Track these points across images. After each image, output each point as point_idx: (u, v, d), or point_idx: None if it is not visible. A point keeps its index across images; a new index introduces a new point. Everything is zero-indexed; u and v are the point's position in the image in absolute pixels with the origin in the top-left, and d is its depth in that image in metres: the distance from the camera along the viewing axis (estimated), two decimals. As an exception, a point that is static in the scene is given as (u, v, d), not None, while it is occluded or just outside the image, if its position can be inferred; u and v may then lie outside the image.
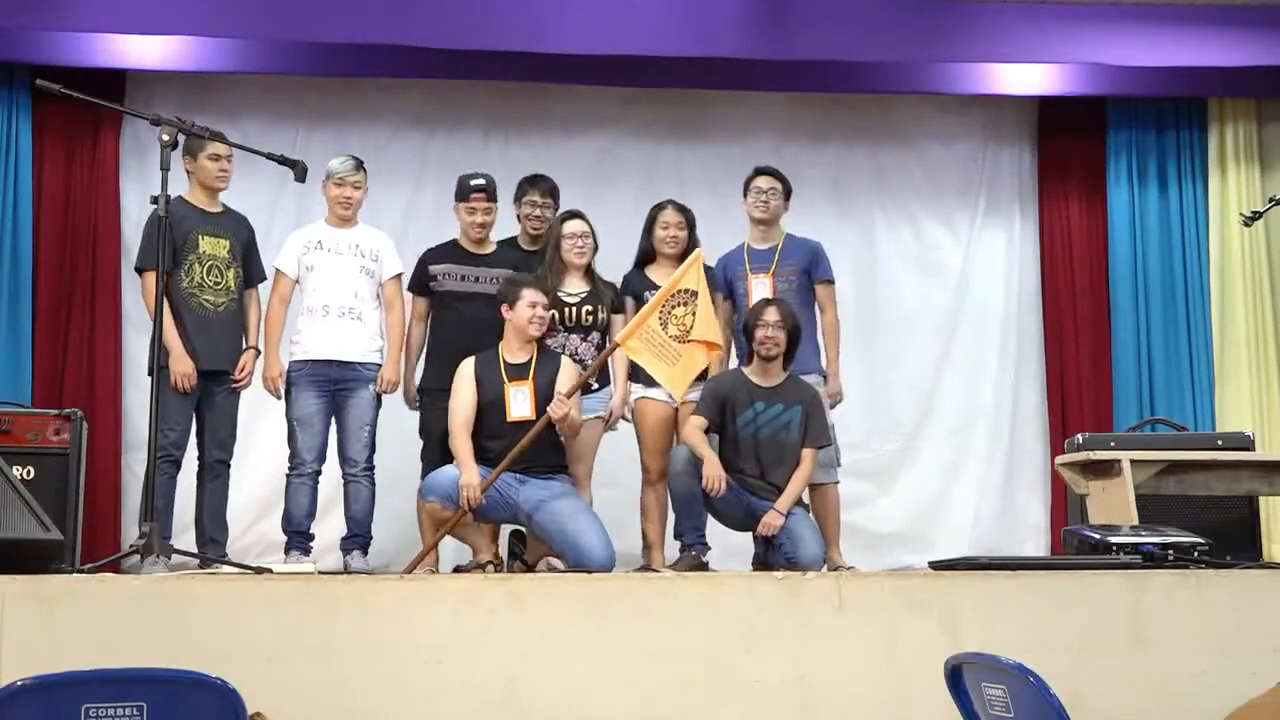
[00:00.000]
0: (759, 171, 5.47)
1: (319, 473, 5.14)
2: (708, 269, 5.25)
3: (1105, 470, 5.02)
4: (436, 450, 5.01)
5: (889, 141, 7.39)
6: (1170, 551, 4.04)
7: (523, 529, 5.08)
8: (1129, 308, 7.21)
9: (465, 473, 4.62)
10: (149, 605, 3.47)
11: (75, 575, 3.81)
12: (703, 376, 5.02)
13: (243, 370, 5.07)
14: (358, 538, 5.18)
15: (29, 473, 4.96)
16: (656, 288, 5.00)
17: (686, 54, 6.52)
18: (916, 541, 6.92)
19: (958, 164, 7.44)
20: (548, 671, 3.53)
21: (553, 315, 5.03)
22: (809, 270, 5.38)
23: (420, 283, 5.27)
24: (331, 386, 5.13)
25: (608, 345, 5.00)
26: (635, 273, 5.34)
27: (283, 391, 5.15)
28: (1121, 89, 7.10)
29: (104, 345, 6.54)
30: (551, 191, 5.43)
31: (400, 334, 5.25)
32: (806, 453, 4.88)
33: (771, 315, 4.93)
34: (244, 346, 5.12)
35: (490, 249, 5.31)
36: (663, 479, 5.05)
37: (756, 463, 4.89)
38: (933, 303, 7.34)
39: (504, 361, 4.86)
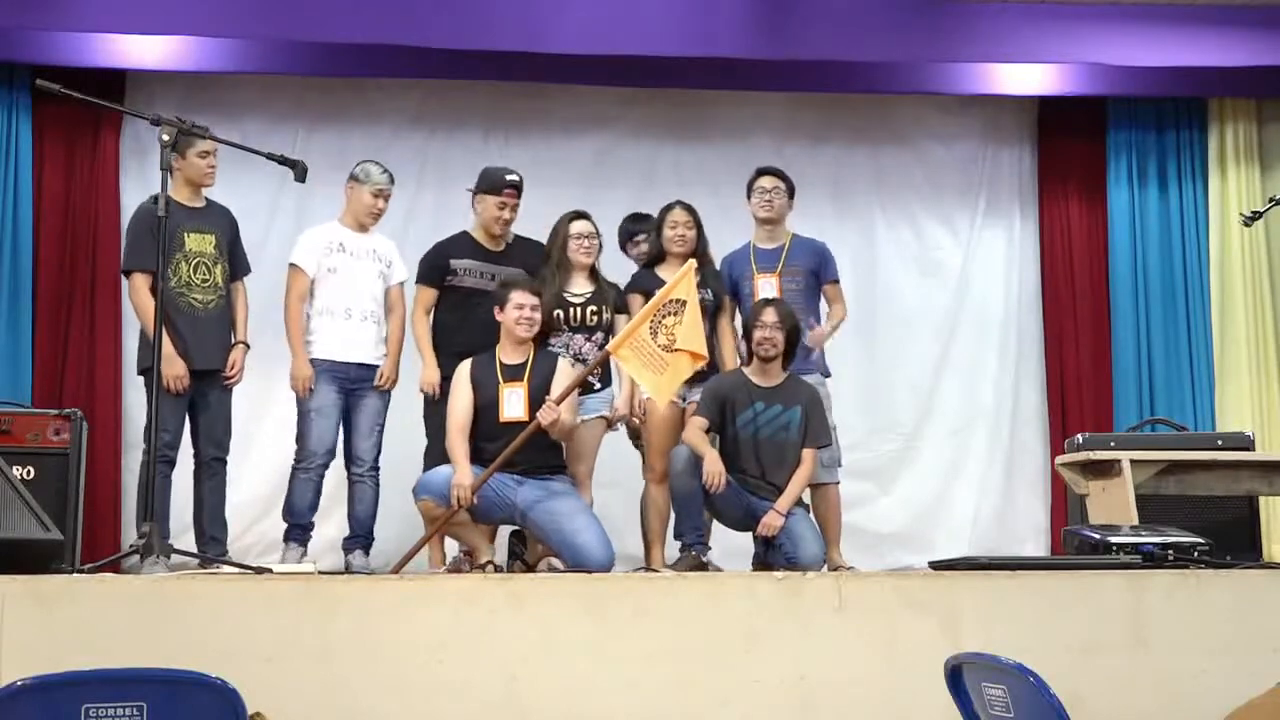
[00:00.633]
0: (761, 172, 5.48)
1: (326, 467, 5.15)
2: (713, 268, 5.25)
3: (1105, 470, 5.02)
4: (440, 450, 4.99)
5: (889, 141, 7.39)
6: (1170, 551, 4.04)
7: (523, 529, 5.07)
8: (1129, 308, 7.21)
9: (459, 472, 4.63)
10: (149, 605, 3.47)
11: (75, 575, 3.81)
12: (702, 378, 5.03)
13: (233, 367, 5.05)
14: (360, 538, 5.19)
15: (29, 473, 4.95)
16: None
17: (686, 54, 6.52)
18: (916, 541, 6.92)
19: (958, 164, 7.44)
20: (548, 671, 3.53)
21: (557, 315, 5.03)
22: (816, 271, 5.40)
23: (437, 276, 5.19)
24: (349, 385, 5.14)
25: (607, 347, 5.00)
26: (645, 271, 5.35)
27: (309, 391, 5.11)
28: (1121, 89, 7.10)
29: (104, 345, 6.54)
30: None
31: (400, 336, 5.25)
32: (807, 453, 4.89)
33: (769, 316, 4.94)
34: (232, 341, 5.09)
35: (503, 245, 5.29)
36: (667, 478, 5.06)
37: (757, 463, 4.89)
38: (933, 303, 7.35)
39: (500, 363, 4.87)
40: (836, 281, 5.47)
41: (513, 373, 4.84)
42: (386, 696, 3.45)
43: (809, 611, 3.66)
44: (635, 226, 5.68)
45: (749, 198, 5.45)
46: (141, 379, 5.09)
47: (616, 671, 3.56)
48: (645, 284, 5.22)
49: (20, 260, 6.52)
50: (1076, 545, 4.43)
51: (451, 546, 5.38)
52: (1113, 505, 4.92)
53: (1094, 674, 3.60)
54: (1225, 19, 6.73)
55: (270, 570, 4.23)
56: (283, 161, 4.59)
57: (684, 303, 4.71)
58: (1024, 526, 7.14)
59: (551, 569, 4.72)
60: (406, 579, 3.87)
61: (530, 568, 4.92)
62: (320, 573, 4.38)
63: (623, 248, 5.70)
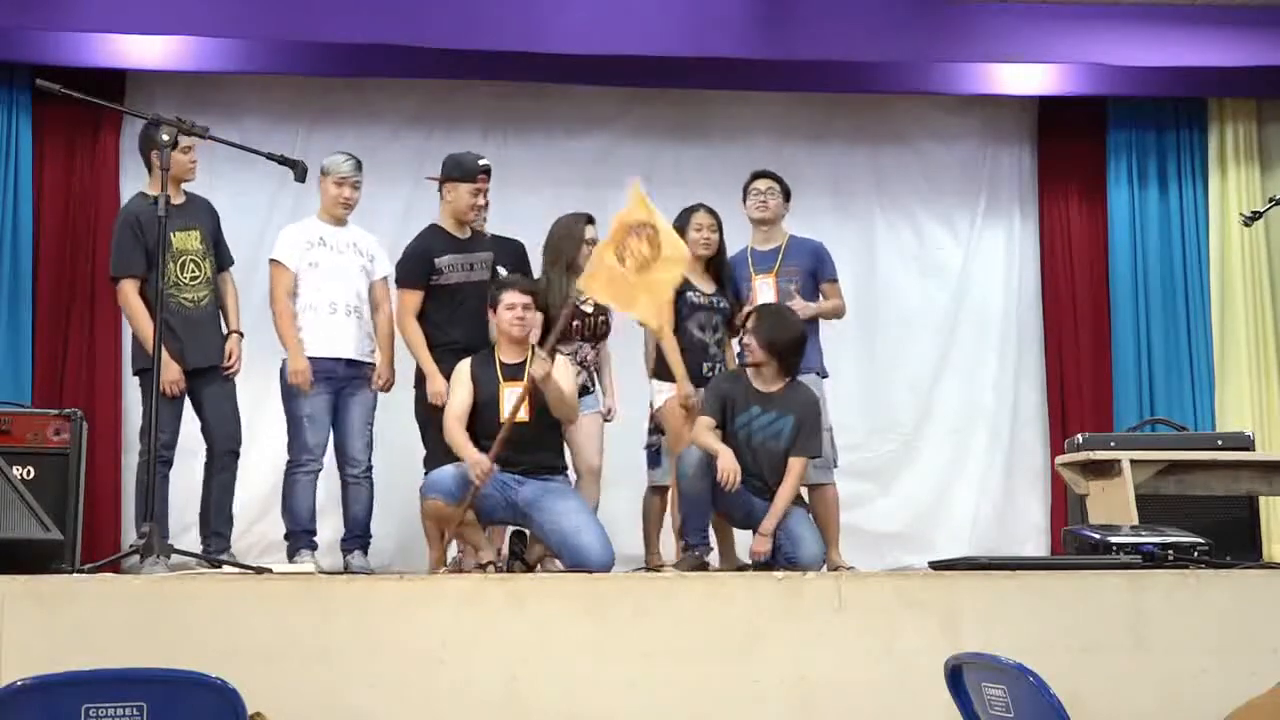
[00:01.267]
0: (756, 174, 5.52)
1: (321, 468, 5.13)
2: (729, 270, 5.24)
3: (1105, 470, 5.02)
4: (441, 450, 4.95)
5: (889, 141, 7.39)
6: (1170, 551, 4.04)
7: (523, 529, 5.07)
8: (1129, 308, 7.21)
9: (469, 455, 4.61)
10: (149, 605, 3.47)
11: (75, 575, 3.81)
12: (704, 381, 5.03)
13: (231, 357, 5.03)
14: (358, 538, 5.18)
15: (29, 473, 4.94)
16: (691, 287, 5.10)
17: (686, 54, 6.52)
18: (916, 541, 6.92)
19: (958, 164, 7.44)
20: (548, 671, 3.53)
21: (576, 325, 5.02)
22: (814, 272, 5.41)
23: (422, 276, 5.05)
24: (338, 384, 5.12)
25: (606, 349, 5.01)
26: None
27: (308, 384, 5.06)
28: (1121, 89, 7.10)
29: (104, 345, 6.54)
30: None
31: (391, 334, 5.20)
32: (794, 461, 4.79)
33: (750, 323, 4.94)
34: (225, 332, 5.06)
35: (470, 232, 5.21)
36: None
37: (752, 465, 4.86)
38: (933, 303, 7.35)
39: (499, 361, 4.86)
40: (834, 280, 5.47)
41: (513, 372, 4.84)
42: (386, 696, 3.45)
43: (809, 611, 3.66)
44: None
45: (744, 200, 5.47)
46: (138, 379, 5.10)
47: (616, 671, 3.56)
48: None
49: (20, 260, 6.52)
50: (1076, 545, 4.43)
51: (451, 547, 5.38)
52: (1113, 505, 4.92)
53: (1094, 674, 3.60)
54: (1225, 19, 6.73)
55: (270, 570, 4.22)
56: (283, 161, 4.59)
57: (645, 223, 4.61)
58: (1024, 526, 7.15)
59: (552, 569, 4.72)
60: (406, 579, 3.87)
61: (530, 568, 4.92)
62: (320, 573, 4.38)
63: None
